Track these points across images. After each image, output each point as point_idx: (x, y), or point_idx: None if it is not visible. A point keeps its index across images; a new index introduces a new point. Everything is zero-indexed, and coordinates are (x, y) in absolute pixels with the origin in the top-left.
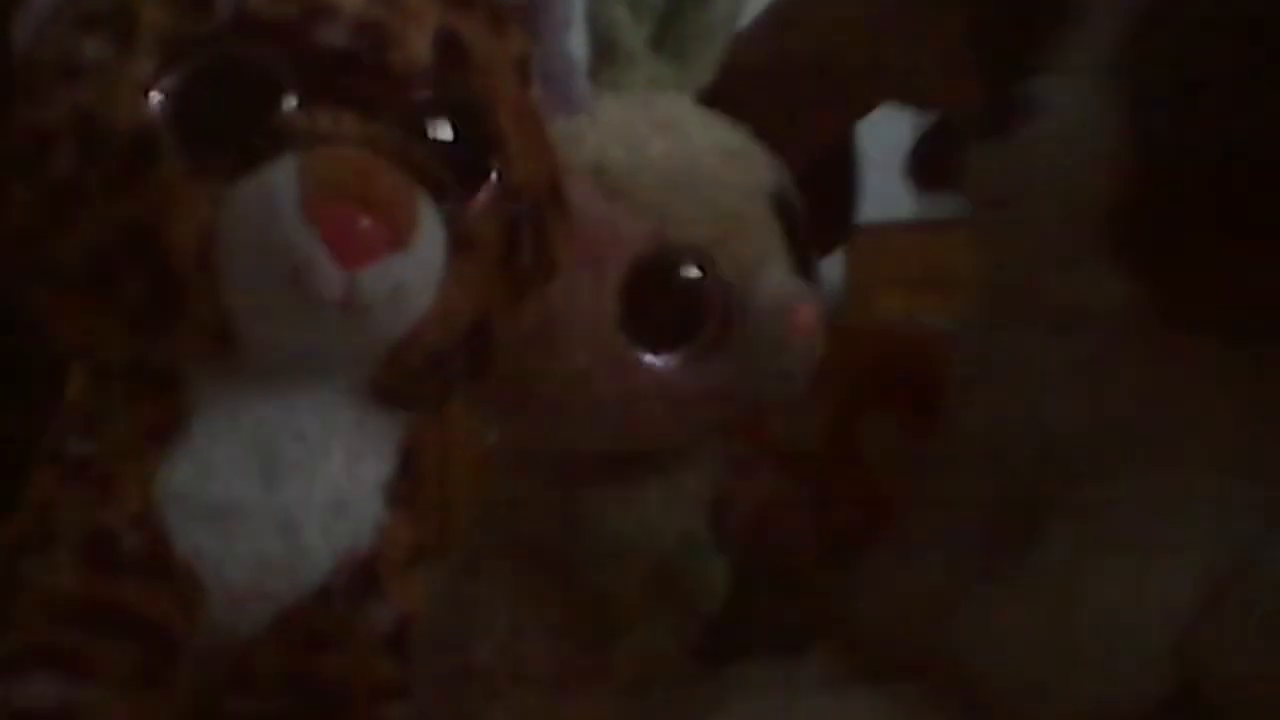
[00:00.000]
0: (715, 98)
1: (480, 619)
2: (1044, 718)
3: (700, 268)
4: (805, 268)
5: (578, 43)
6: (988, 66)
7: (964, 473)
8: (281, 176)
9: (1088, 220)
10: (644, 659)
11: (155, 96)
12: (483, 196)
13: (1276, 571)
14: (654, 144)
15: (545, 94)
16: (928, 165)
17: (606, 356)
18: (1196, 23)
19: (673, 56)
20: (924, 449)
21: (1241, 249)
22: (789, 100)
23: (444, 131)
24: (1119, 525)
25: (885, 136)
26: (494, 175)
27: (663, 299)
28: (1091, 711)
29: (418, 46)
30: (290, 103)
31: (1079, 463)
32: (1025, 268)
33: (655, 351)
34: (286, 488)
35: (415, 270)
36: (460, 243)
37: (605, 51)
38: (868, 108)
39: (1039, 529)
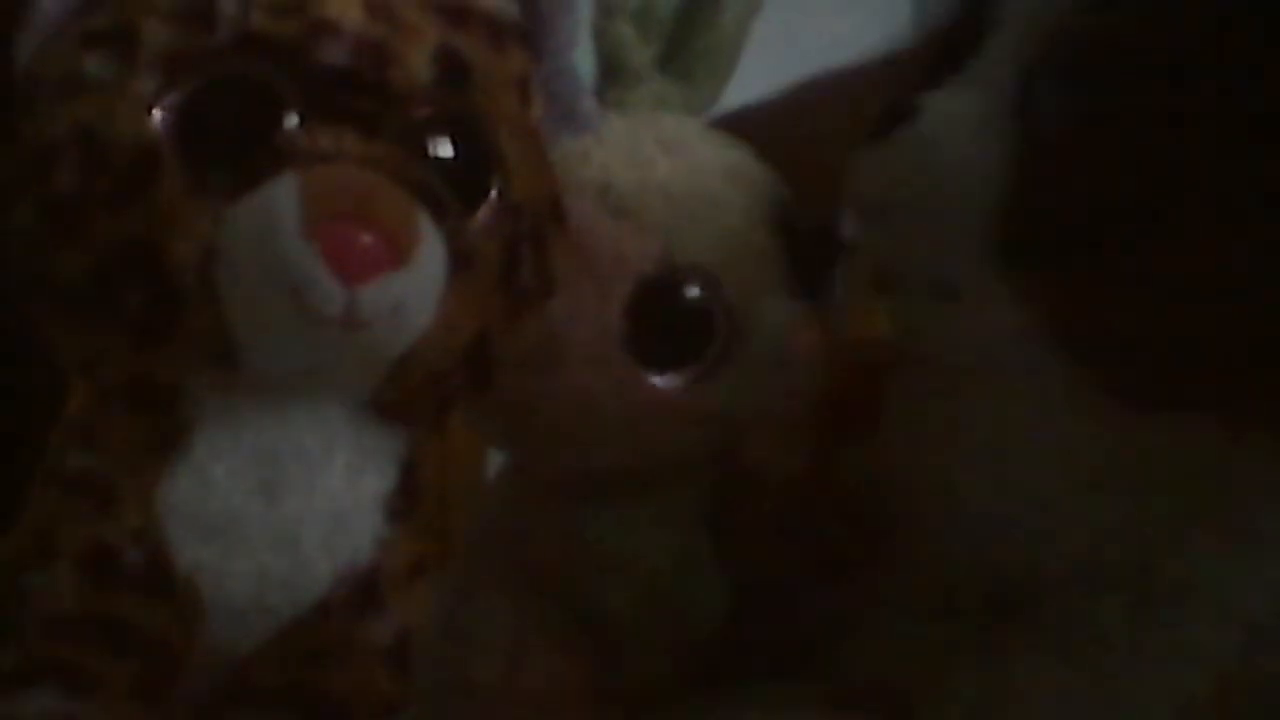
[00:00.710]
0: None
1: (480, 638)
2: None
3: (704, 288)
4: (809, 287)
5: (584, 61)
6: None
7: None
8: (282, 194)
9: (971, 235)
10: (642, 679)
11: (157, 114)
12: (483, 214)
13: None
14: (660, 164)
15: (551, 112)
16: None
17: (611, 376)
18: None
19: (679, 76)
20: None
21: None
22: None
23: (444, 149)
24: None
25: None
26: (494, 192)
27: (667, 319)
28: None
29: (418, 64)
30: (291, 120)
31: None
32: (910, 301)
33: (659, 372)
34: (287, 502)
35: (415, 287)
36: (460, 260)
37: (612, 71)
38: None
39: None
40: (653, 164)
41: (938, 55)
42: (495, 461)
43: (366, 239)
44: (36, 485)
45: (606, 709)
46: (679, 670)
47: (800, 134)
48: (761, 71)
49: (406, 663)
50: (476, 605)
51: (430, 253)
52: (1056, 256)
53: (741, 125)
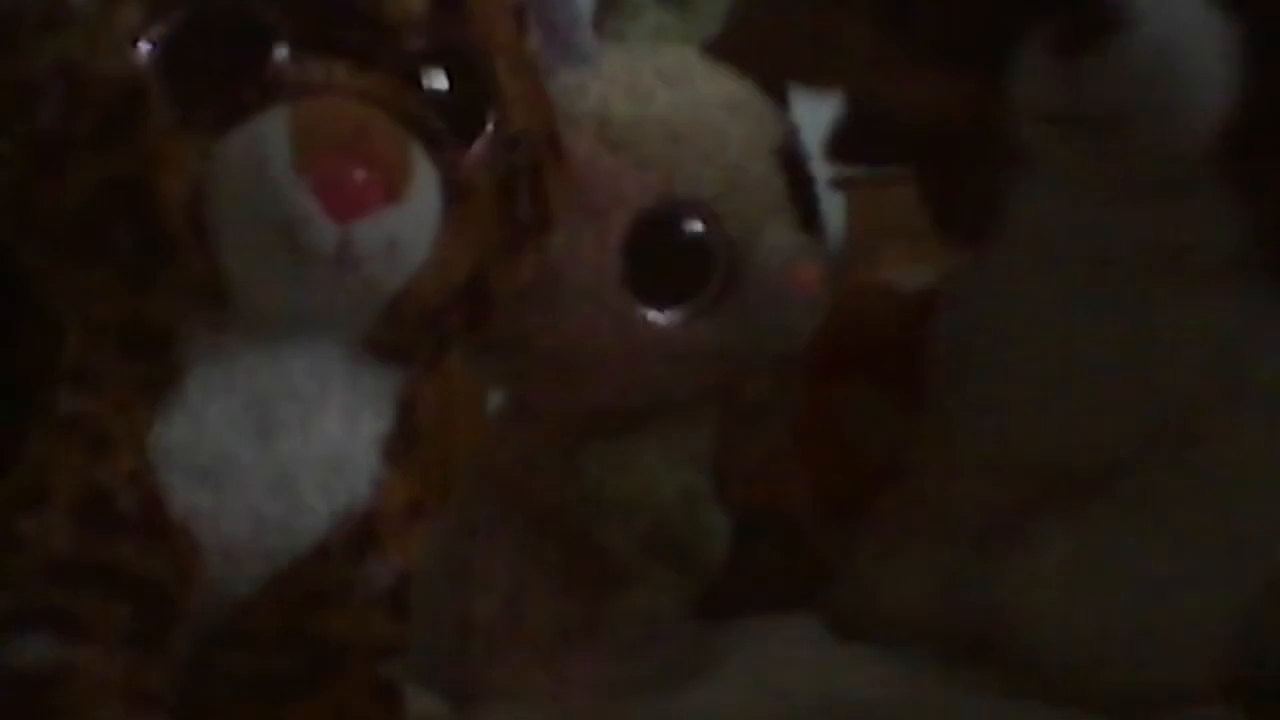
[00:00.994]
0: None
1: (481, 576)
2: (1098, 693)
3: (704, 222)
4: (811, 223)
5: None
6: None
7: (981, 439)
8: (272, 128)
9: (1195, 145)
10: (644, 616)
11: (143, 46)
12: (478, 147)
13: None
14: (659, 96)
15: (549, 44)
16: (847, 143)
17: (609, 311)
18: None
19: (678, 6)
20: (917, 415)
21: None
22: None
23: (439, 81)
24: (1189, 505)
25: None
26: (490, 126)
27: (666, 254)
28: (1149, 692)
29: None
30: (281, 52)
31: (1148, 429)
32: (1111, 201)
33: (658, 307)
34: (282, 444)
35: (410, 223)
36: (456, 194)
37: (611, 1)
38: None
39: (1090, 500)
40: (652, 96)
41: None
42: (495, 400)
43: (359, 174)
44: (32, 429)
45: (605, 646)
46: (681, 607)
47: None
48: None
49: (404, 605)
50: (477, 544)
51: (425, 187)
52: None
53: None
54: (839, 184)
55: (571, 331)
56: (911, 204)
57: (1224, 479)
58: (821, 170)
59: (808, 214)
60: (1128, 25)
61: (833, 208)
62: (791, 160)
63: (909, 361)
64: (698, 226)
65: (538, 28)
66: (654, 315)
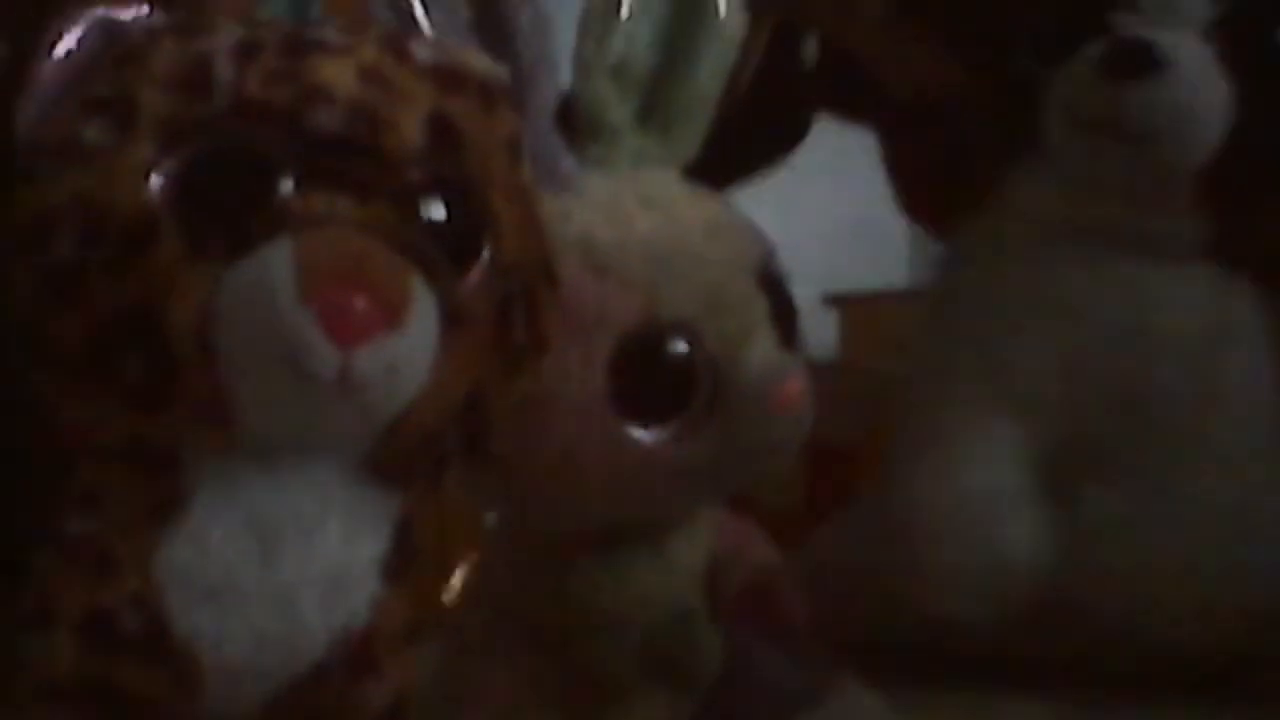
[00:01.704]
0: None
1: (475, 694)
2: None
3: (688, 342)
4: (790, 340)
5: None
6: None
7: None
8: (278, 258)
9: (1191, 164)
10: None
11: (155, 180)
12: (475, 275)
13: None
14: (640, 220)
15: (532, 171)
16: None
17: (595, 431)
18: None
19: (658, 131)
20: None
21: None
22: None
23: (437, 212)
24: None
25: (879, 208)
26: (486, 254)
27: (651, 374)
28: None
29: (410, 129)
30: (287, 185)
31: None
32: (1111, 192)
33: (644, 426)
34: (283, 565)
35: (409, 349)
36: (453, 321)
37: (591, 128)
38: None
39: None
40: (632, 220)
41: None
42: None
43: (360, 302)
44: (36, 551)
45: None
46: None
47: None
48: None
49: None
50: (472, 664)
51: (423, 314)
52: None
53: None
54: (833, 301)
55: (559, 452)
56: (906, 319)
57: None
58: (815, 288)
59: (787, 332)
60: (1167, 64)
61: (827, 324)
62: (771, 279)
63: None
64: (681, 346)
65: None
66: (640, 434)
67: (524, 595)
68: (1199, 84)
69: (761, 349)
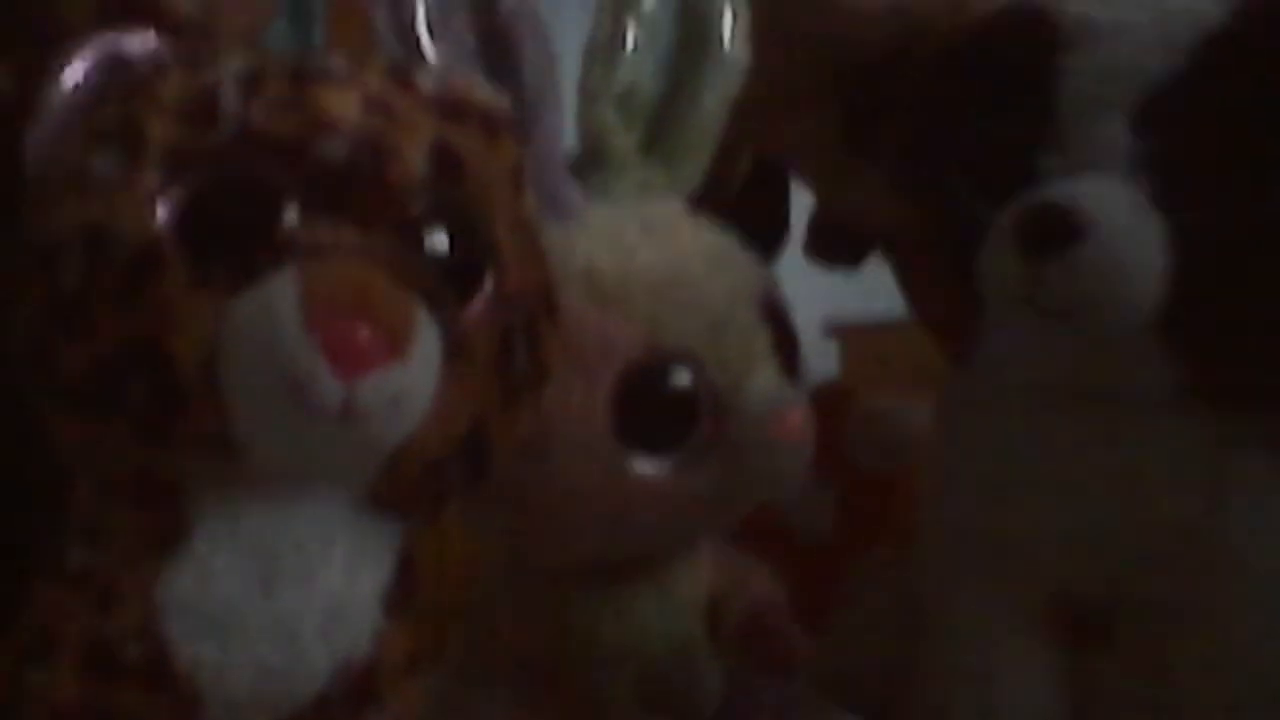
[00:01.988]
0: None
1: None
2: None
3: (690, 372)
4: (792, 370)
5: (568, 148)
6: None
7: (1005, 573)
8: (282, 289)
9: (1140, 319)
10: None
11: (161, 210)
12: (478, 305)
13: None
14: (643, 251)
15: (536, 200)
16: (826, 244)
17: (599, 462)
18: (1211, 114)
19: (662, 160)
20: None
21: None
22: None
23: (440, 242)
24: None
25: None
26: (489, 285)
27: (654, 405)
28: None
29: (414, 159)
30: (291, 216)
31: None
32: (1074, 364)
33: (647, 457)
34: (285, 595)
35: (412, 379)
36: (456, 351)
37: (595, 157)
38: None
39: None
40: (636, 251)
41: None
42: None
43: (364, 333)
44: (39, 580)
45: None
46: None
47: None
48: None
49: None
50: (471, 696)
51: (426, 345)
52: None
53: None
54: (834, 331)
55: (562, 483)
56: (908, 348)
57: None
58: (816, 316)
59: (790, 362)
60: (1084, 234)
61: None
62: (772, 309)
63: None
64: (684, 377)
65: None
66: (643, 465)
67: (524, 627)
68: (1127, 243)
69: (764, 379)
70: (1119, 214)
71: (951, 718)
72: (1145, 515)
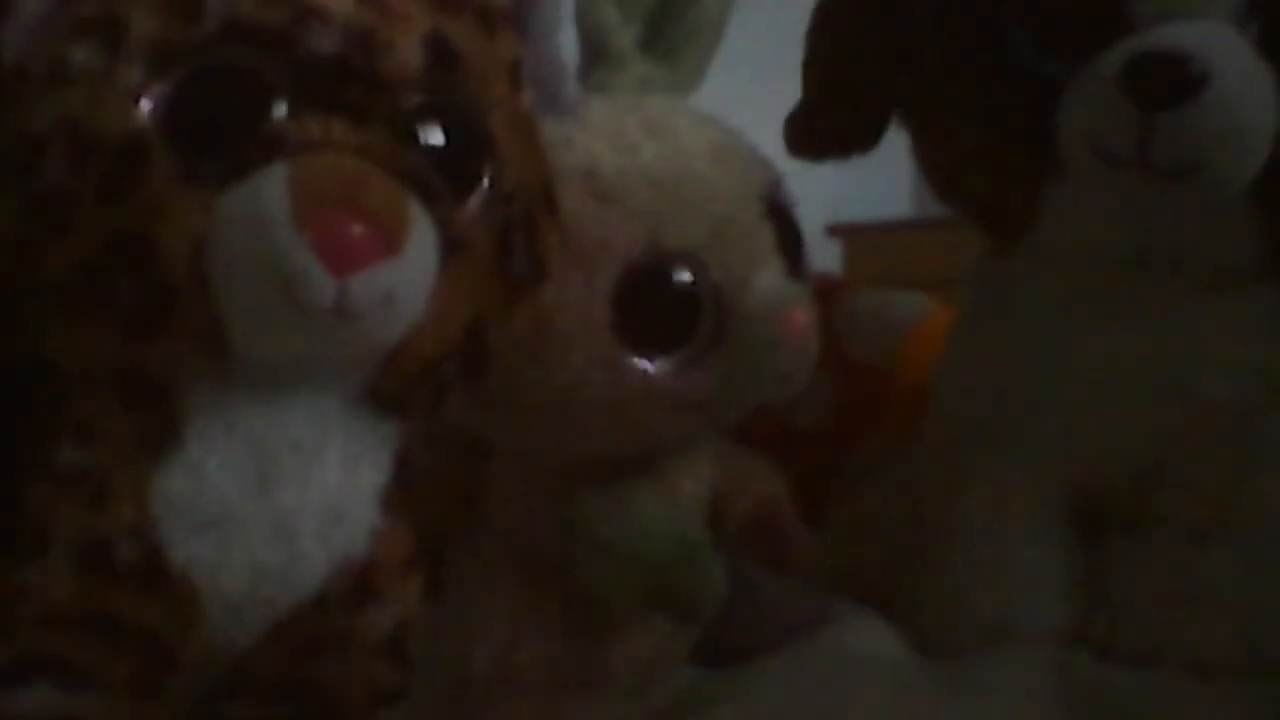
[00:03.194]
0: None
1: (478, 626)
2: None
3: (692, 272)
4: (797, 269)
5: (567, 44)
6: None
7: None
8: (271, 184)
9: (1249, 179)
10: (642, 663)
11: (145, 104)
12: (474, 201)
13: None
14: (645, 147)
15: (534, 96)
16: (803, 132)
17: (599, 361)
18: None
19: (663, 57)
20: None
21: None
22: None
23: (435, 137)
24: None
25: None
26: (486, 180)
27: (655, 303)
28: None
29: (408, 52)
30: (280, 110)
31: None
32: (1150, 231)
33: (648, 356)
34: (282, 495)
35: (407, 276)
36: (452, 248)
37: (595, 53)
38: None
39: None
40: (637, 148)
41: None
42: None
43: (357, 228)
44: (33, 481)
45: (602, 693)
46: (679, 652)
47: None
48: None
49: (404, 653)
50: (474, 593)
51: (421, 241)
52: None
53: None
54: (835, 230)
55: (562, 382)
56: (905, 248)
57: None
58: (819, 218)
59: (794, 261)
60: (1203, 86)
61: (828, 253)
62: (777, 207)
63: None
64: (686, 276)
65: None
66: (644, 364)
67: (527, 526)
68: (1244, 96)
69: (767, 278)
70: (1236, 63)
71: (963, 614)
72: (1197, 397)
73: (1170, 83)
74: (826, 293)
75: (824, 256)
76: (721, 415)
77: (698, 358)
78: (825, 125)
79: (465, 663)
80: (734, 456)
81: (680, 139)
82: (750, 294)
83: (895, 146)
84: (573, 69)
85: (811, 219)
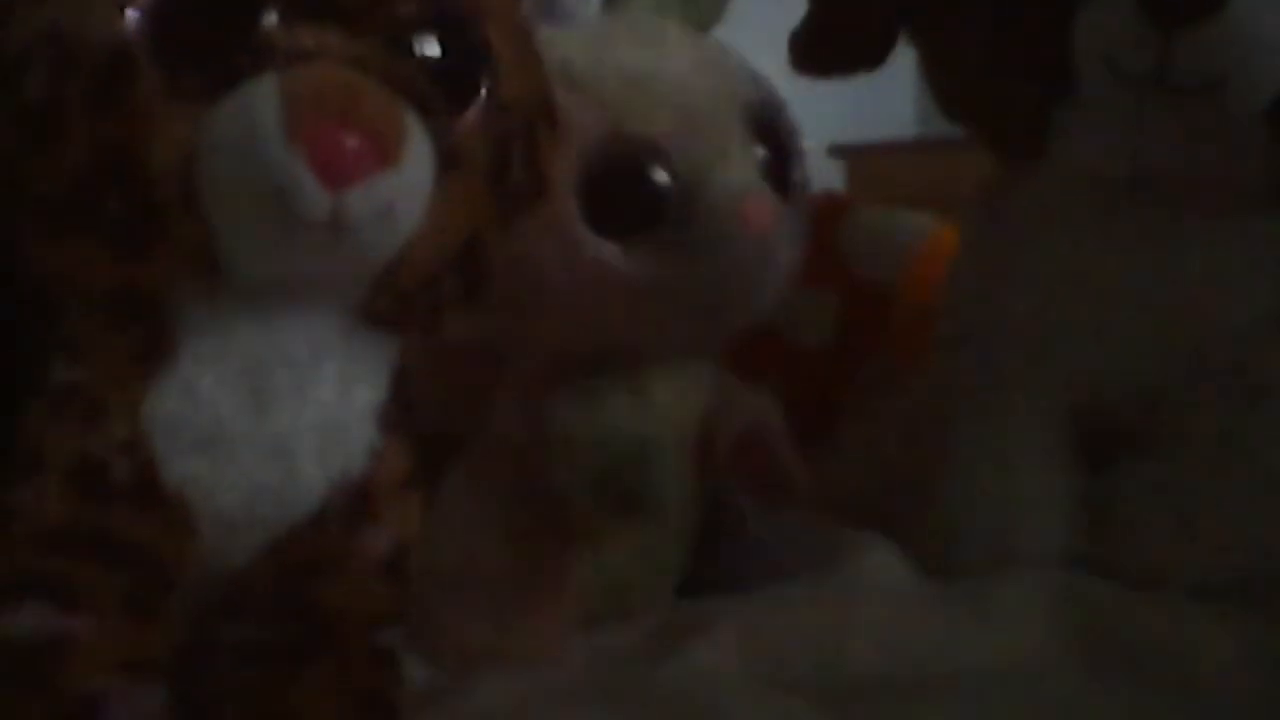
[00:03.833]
0: None
1: (445, 523)
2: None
3: (656, 160)
4: (783, 186)
5: None
6: None
7: (1022, 367)
8: (262, 95)
9: (1266, 100)
10: (617, 585)
11: (131, 13)
12: (472, 113)
13: None
14: (623, 50)
15: (535, 4)
16: (808, 48)
17: (562, 245)
18: None
19: None
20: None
21: None
22: None
23: (431, 47)
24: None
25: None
26: (483, 91)
27: (618, 191)
28: None
29: None
30: (271, 19)
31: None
32: (1167, 152)
33: (610, 242)
34: (277, 413)
35: (403, 189)
36: (449, 161)
37: None
38: None
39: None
40: (614, 47)
41: None
42: None
43: (351, 140)
44: (27, 400)
45: (573, 599)
46: (654, 576)
47: None
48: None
49: (402, 574)
50: (444, 492)
51: (418, 154)
52: None
53: None
54: (838, 151)
55: (524, 263)
56: (908, 169)
57: None
58: (821, 138)
59: (779, 175)
60: (1224, 1)
61: (831, 173)
62: (764, 120)
63: None
64: (649, 166)
65: None
66: (606, 250)
67: (499, 421)
68: (1264, 12)
69: (731, 172)
70: None
71: (966, 542)
72: (1209, 317)
73: (1189, 1)
74: (831, 210)
75: (826, 177)
76: (685, 310)
77: (659, 247)
78: (831, 41)
79: (429, 560)
80: (730, 383)
81: (662, 45)
82: (712, 187)
83: (899, 68)
84: None
85: (814, 140)
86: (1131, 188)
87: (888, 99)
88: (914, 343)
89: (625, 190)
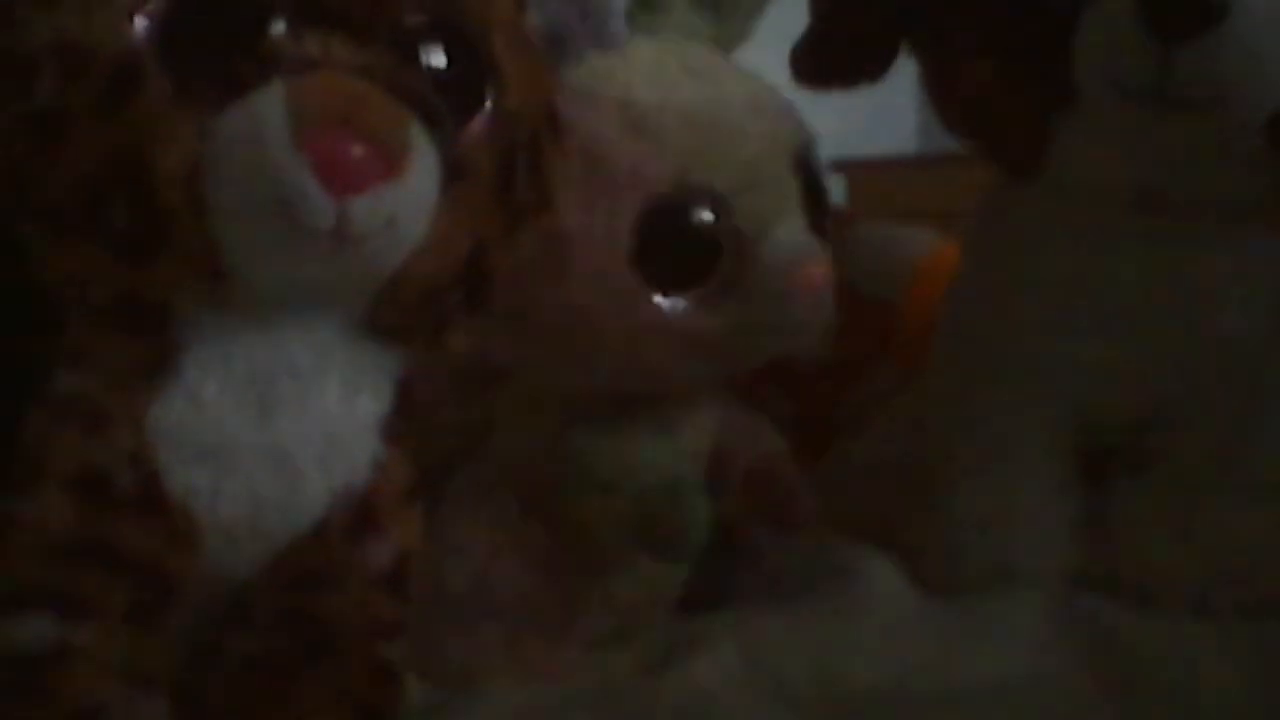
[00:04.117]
0: None
1: (458, 546)
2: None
3: (716, 213)
4: (820, 227)
5: None
6: None
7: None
8: (269, 104)
9: (1268, 114)
10: (623, 608)
11: (139, 21)
12: (477, 124)
13: None
14: (684, 87)
15: (581, 29)
16: (809, 60)
17: (615, 292)
18: None
19: (710, 8)
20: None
21: None
22: None
23: (437, 58)
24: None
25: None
26: (489, 103)
27: (676, 240)
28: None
29: None
30: (278, 28)
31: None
32: (1166, 166)
33: (664, 292)
34: (281, 424)
35: (408, 200)
36: (454, 171)
37: None
38: None
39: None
40: (676, 87)
41: None
42: None
43: (357, 150)
44: (29, 410)
45: (580, 623)
46: (662, 599)
47: None
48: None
49: (404, 586)
50: (458, 514)
51: (423, 164)
52: None
53: None
54: (839, 166)
55: (577, 308)
56: (909, 185)
57: None
58: (822, 153)
59: (818, 218)
60: (1224, 15)
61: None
62: (806, 164)
63: None
64: (709, 216)
65: (573, 12)
66: (659, 300)
67: (525, 455)
68: (1266, 27)
69: (789, 230)
70: None
71: (966, 562)
72: (1206, 334)
73: (1190, 12)
74: (835, 227)
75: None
76: (730, 363)
77: (712, 299)
78: (832, 53)
79: (440, 581)
80: (739, 415)
81: (720, 85)
82: (770, 243)
83: (901, 82)
84: (620, 6)
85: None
86: (1132, 202)
87: (889, 114)
88: (915, 358)
89: (686, 241)
